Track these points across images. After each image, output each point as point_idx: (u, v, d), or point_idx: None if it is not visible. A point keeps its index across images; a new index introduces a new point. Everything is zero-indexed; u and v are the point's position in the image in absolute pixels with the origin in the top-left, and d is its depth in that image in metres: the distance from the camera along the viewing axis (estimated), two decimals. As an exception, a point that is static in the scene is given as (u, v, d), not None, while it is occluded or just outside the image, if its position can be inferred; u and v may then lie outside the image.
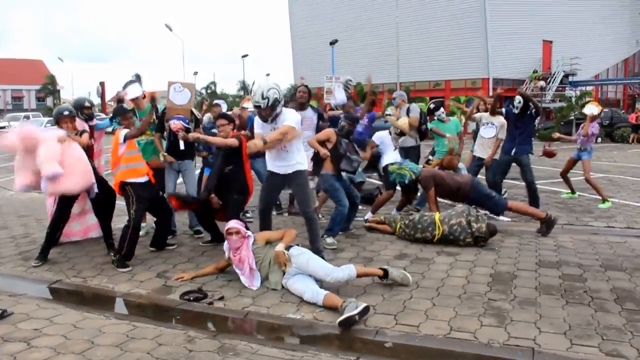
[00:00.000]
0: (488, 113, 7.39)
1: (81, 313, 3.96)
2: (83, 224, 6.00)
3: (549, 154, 8.07)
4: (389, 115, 7.44)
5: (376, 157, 6.76)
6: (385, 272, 4.29)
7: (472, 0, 28.29)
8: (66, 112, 5.31)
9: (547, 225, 5.92)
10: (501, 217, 6.60)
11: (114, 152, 5.13)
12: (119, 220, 6.16)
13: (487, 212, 6.45)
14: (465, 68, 28.35)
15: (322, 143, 5.65)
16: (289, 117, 4.69)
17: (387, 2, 30.56)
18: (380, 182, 7.75)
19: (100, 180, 5.47)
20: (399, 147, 6.91)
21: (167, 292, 4.38)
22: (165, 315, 4.01)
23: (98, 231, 5.86)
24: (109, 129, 6.48)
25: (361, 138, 6.77)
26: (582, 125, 7.96)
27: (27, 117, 30.61)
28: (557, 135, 8.65)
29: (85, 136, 5.33)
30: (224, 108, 7.95)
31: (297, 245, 4.54)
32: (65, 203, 5.25)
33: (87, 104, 6.04)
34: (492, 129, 7.33)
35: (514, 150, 6.92)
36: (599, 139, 20.81)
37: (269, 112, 4.62)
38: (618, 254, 5.14)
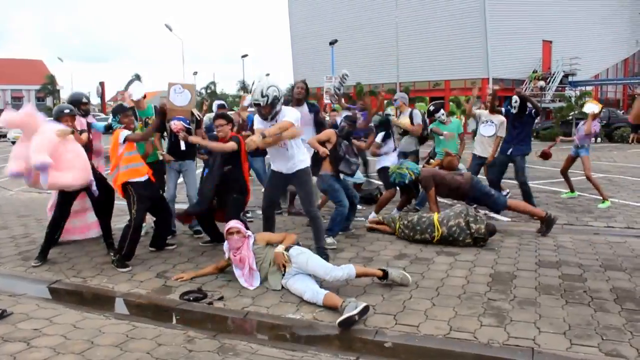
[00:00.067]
0: (487, 111, 7.40)
1: (81, 313, 3.96)
2: (83, 222, 6.00)
3: (545, 156, 8.10)
4: (390, 115, 7.43)
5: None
6: (385, 272, 4.30)
7: (472, 0, 28.30)
8: (67, 110, 5.33)
9: (546, 224, 5.93)
10: (501, 216, 6.60)
11: (113, 152, 5.13)
12: (119, 220, 6.17)
13: (486, 211, 6.46)
14: (465, 68, 28.35)
15: (322, 143, 5.65)
16: (289, 114, 4.70)
17: (387, 2, 30.55)
18: (380, 182, 7.75)
19: (100, 178, 5.47)
20: (399, 151, 6.89)
21: (166, 292, 4.38)
22: (165, 315, 4.02)
23: (98, 230, 5.87)
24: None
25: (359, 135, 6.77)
26: (583, 122, 7.97)
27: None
28: (559, 140, 8.62)
29: (85, 135, 5.38)
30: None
31: (298, 244, 4.54)
32: (65, 201, 5.26)
33: (84, 99, 6.05)
34: (491, 127, 7.34)
35: (510, 150, 6.92)
36: (599, 139, 20.83)
37: (268, 109, 4.63)
38: (618, 254, 5.14)
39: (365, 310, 3.66)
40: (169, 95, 5.76)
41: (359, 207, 6.58)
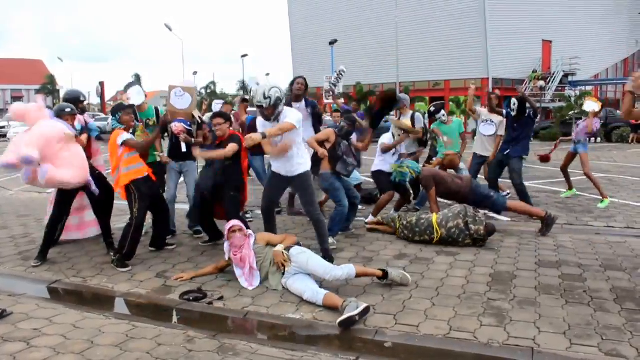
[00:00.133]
0: (487, 110, 7.40)
1: (81, 313, 3.96)
2: (81, 219, 5.99)
3: (544, 159, 8.11)
4: (390, 115, 7.42)
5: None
6: (385, 272, 4.29)
7: (471, 0, 28.31)
8: (68, 109, 5.34)
9: (546, 224, 5.93)
10: (501, 216, 6.59)
11: (112, 153, 5.10)
12: (119, 219, 6.17)
13: (486, 211, 6.45)
14: (465, 68, 28.36)
15: (321, 143, 5.65)
16: (291, 115, 4.71)
17: (386, 2, 30.57)
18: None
19: (100, 177, 5.47)
20: (399, 154, 6.87)
21: (166, 292, 4.38)
22: (165, 315, 4.01)
23: (96, 229, 5.87)
24: (108, 127, 6.47)
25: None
26: (583, 119, 7.97)
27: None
28: (559, 141, 8.61)
29: (85, 136, 5.39)
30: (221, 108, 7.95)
31: (299, 244, 4.54)
32: (63, 200, 5.26)
33: (82, 97, 6.10)
34: (491, 127, 7.34)
35: (507, 151, 6.91)
36: (599, 139, 20.84)
37: (271, 111, 4.65)
38: (618, 254, 5.14)
39: (366, 311, 3.66)
40: (170, 98, 5.75)
41: (359, 207, 6.57)
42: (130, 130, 5.27)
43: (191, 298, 4.18)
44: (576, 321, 3.60)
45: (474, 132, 8.07)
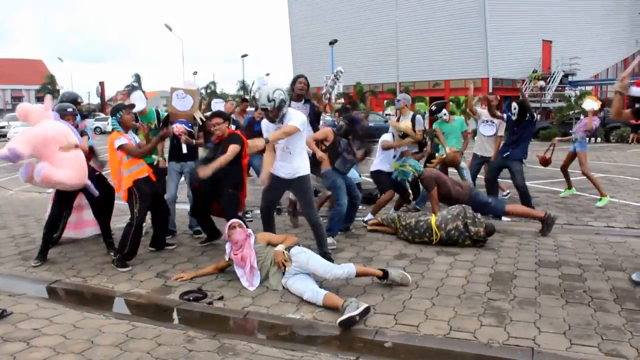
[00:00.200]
0: (487, 110, 7.40)
1: (81, 313, 3.96)
2: (79, 218, 5.98)
3: (545, 163, 8.12)
4: (389, 115, 7.42)
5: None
6: (385, 272, 4.29)
7: (471, 0, 28.32)
8: (70, 110, 5.35)
9: (546, 224, 5.93)
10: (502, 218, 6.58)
11: (111, 156, 5.08)
12: (118, 220, 6.17)
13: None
14: (465, 68, 28.37)
15: (320, 142, 5.64)
16: (294, 118, 4.72)
17: (386, 2, 30.57)
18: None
19: (99, 178, 5.47)
20: (401, 152, 6.86)
21: (166, 292, 4.38)
22: (165, 315, 4.01)
23: (93, 228, 5.88)
24: (108, 127, 6.49)
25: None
26: (582, 118, 7.98)
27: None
28: (555, 141, 8.59)
29: (86, 139, 5.37)
30: (221, 107, 7.94)
31: (299, 245, 4.54)
32: (62, 200, 5.25)
33: (79, 99, 6.14)
34: (491, 127, 7.34)
35: (506, 154, 6.90)
36: (599, 139, 20.83)
37: (276, 113, 4.68)
38: (618, 254, 5.14)
39: (367, 311, 3.67)
40: (172, 100, 5.76)
41: (360, 207, 6.56)
42: (132, 130, 5.27)
43: (191, 298, 4.18)
44: (576, 321, 3.59)
45: (474, 132, 8.07)
